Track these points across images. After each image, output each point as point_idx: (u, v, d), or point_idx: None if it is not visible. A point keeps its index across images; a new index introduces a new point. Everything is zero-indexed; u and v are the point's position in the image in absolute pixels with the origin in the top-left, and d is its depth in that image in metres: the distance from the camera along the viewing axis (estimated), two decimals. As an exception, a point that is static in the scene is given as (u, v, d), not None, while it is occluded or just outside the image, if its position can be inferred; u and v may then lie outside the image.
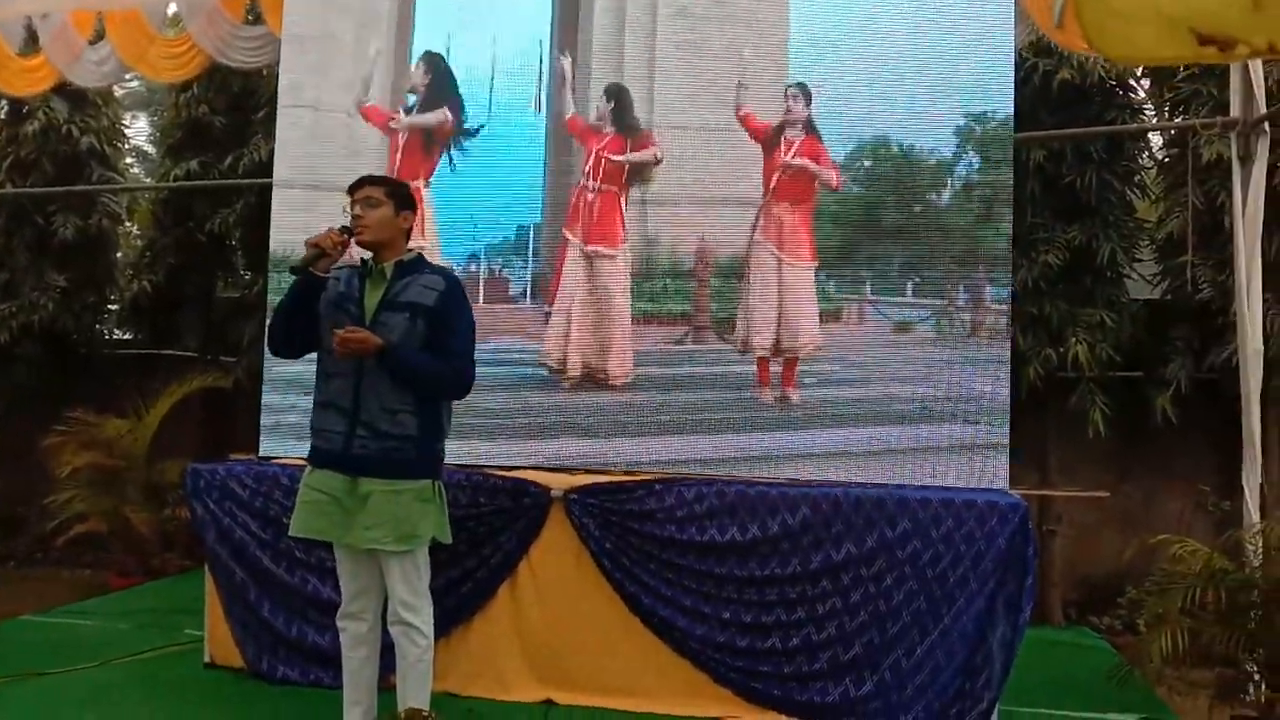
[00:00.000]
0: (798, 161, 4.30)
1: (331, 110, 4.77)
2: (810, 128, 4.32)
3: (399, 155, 4.72)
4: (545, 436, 4.43)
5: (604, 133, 4.52)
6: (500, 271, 4.61)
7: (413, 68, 4.77)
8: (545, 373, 4.51)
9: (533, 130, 4.60)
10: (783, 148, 4.34)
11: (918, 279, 4.20)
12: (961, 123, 4.18)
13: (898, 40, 4.23)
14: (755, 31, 4.38)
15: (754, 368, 4.32)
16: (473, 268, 4.60)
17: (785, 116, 4.35)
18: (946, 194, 4.19)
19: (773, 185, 4.35)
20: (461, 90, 4.66)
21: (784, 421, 4.23)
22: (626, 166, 4.48)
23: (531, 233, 4.59)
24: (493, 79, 4.62)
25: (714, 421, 4.28)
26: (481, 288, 4.58)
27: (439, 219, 4.64)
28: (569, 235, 4.53)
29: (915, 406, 4.10)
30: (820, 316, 4.26)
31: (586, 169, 4.51)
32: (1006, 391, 4.03)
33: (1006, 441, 3.99)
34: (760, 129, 4.37)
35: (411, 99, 4.76)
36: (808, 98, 4.32)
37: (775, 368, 4.31)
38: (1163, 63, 4.78)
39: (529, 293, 4.60)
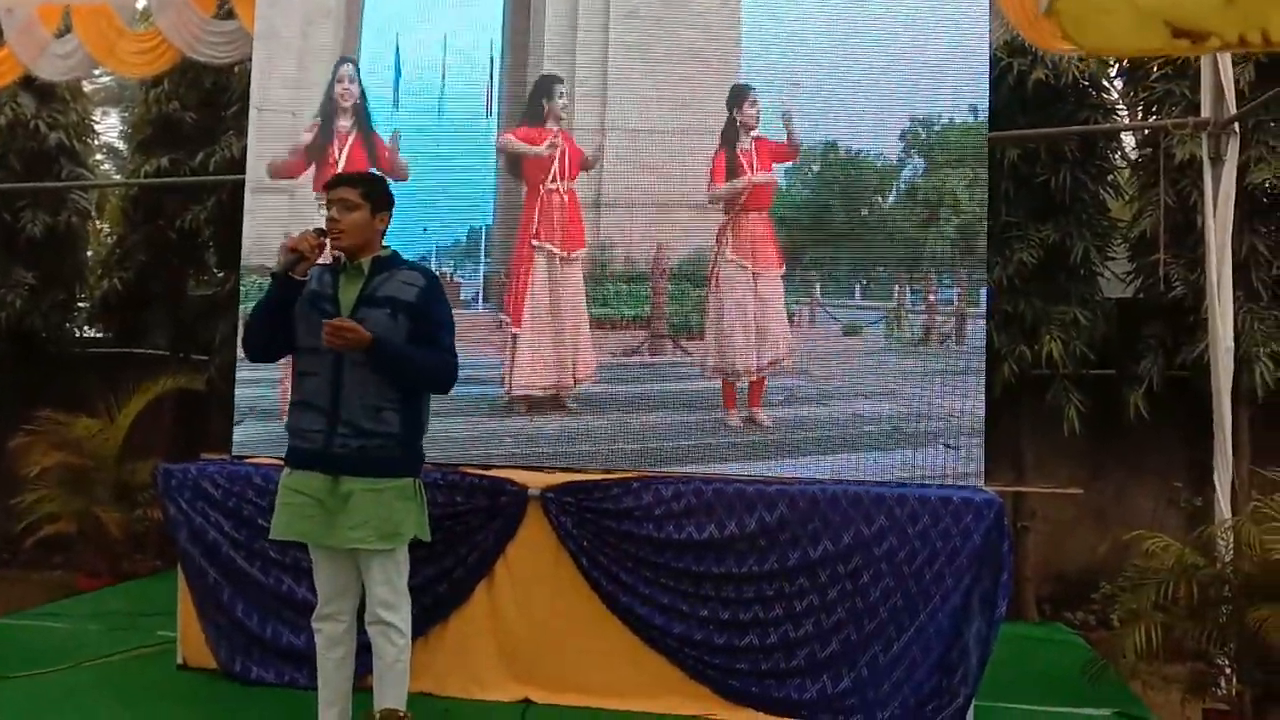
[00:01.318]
0: (761, 178, 4.29)
1: (275, 110, 4.71)
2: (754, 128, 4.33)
3: (344, 157, 4.66)
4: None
5: (558, 127, 4.48)
6: (452, 275, 4.57)
7: (340, 82, 4.72)
8: (505, 397, 4.46)
9: (484, 131, 4.56)
10: (743, 162, 4.31)
11: (879, 283, 4.21)
12: (928, 123, 4.19)
13: (865, 40, 4.23)
14: (707, 34, 4.37)
15: (717, 384, 4.29)
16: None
17: (741, 124, 4.32)
18: (917, 199, 4.19)
19: (740, 202, 4.32)
20: (412, 90, 4.61)
21: (757, 445, 4.23)
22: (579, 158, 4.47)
23: (484, 235, 4.55)
24: (443, 80, 4.57)
25: (683, 449, 4.27)
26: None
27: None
28: (542, 244, 4.46)
29: (890, 405, 4.11)
30: (791, 322, 4.26)
31: (554, 169, 4.46)
32: (982, 388, 4.05)
33: (982, 438, 4.01)
34: (720, 167, 4.35)
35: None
36: (755, 99, 4.32)
37: (741, 384, 4.28)
38: (1136, 54, 4.83)
39: (480, 296, 4.56)
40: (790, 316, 4.25)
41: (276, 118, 4.71)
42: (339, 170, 4.51)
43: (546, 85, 4.49)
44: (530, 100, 4.51)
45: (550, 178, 4.45)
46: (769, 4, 4.34)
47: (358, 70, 4.71)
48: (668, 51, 4.40)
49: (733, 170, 4.31)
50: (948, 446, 4.03)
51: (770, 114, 4.28)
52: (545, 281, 4.45)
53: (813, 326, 4.24)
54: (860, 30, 4.23)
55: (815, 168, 4.28)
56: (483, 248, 4.55)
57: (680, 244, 4.36)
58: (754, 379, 4.27)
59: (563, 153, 4.45)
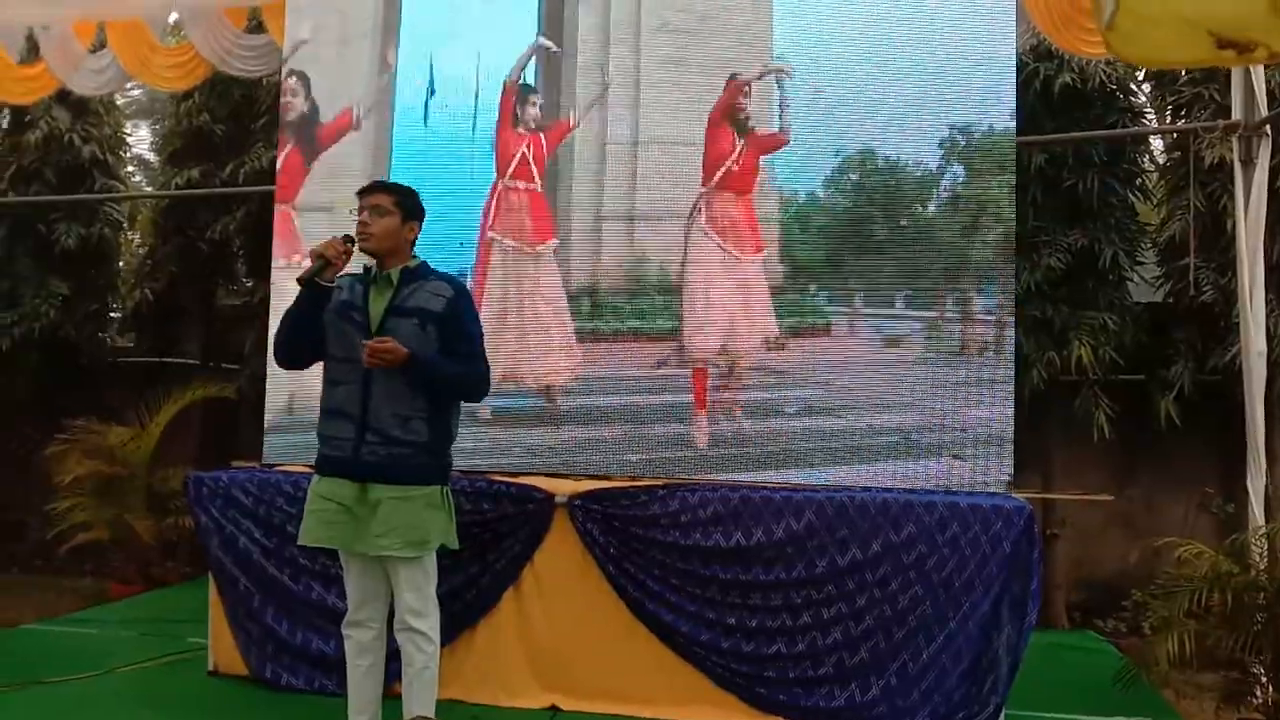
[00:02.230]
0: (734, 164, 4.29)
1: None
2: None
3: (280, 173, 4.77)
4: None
5: (526, 131, 4.53)
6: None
7: (290, 96, 4.81)
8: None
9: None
10: (731, 143, 4.33)
11: (910, 290, 4.18)
12: (962, 130, 4.16)
13: (893, 47, 4.20)
14: (740, 43, 4.36)
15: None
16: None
17: (739, 112, 4.34)
18: (945, 206, 4.16)
19: (717, 177, 4.32)
20: (446, 105, 4.63)
21: (782, 454, 4.22)
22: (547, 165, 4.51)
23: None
24: (476, 97, 4.59)
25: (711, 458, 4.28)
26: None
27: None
28: (495, 236, 4.51)
29: (918, 412, 4.09)
30: (828, 332, 4.23)
31: (511, 169, 4.51)
32: (1011, 394, 4.02)
33: (1011, 445, 3.98)
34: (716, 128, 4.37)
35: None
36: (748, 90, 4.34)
37: (714, 372, 4.27)
38: (1183, 65, 4.79)
39: None
40: (828, 325, 4.22)
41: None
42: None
43: (523, 94, 4.56)
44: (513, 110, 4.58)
45: (509, 175, 4.51)
46: (800, 13, 4.33)
47: (303, 82, 4.78)
48: (701, 64, 4.39)
49: (717, 137, 4.35)
50: (976, 453, 4.00)
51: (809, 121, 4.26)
52: (501, 279, 4.49)
53: (853, 335, 4.21)
54: (889, 38, 4.20)
55: (854, 176, 4.25)
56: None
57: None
58: (715, 360, 4.24)
59: (524, 155, 4.51)
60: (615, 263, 4.44)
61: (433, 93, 4.64)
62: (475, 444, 4.37)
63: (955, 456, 4.02)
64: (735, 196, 4.30)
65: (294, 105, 4.81)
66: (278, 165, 4.83)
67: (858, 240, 4.23)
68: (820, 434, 4.17)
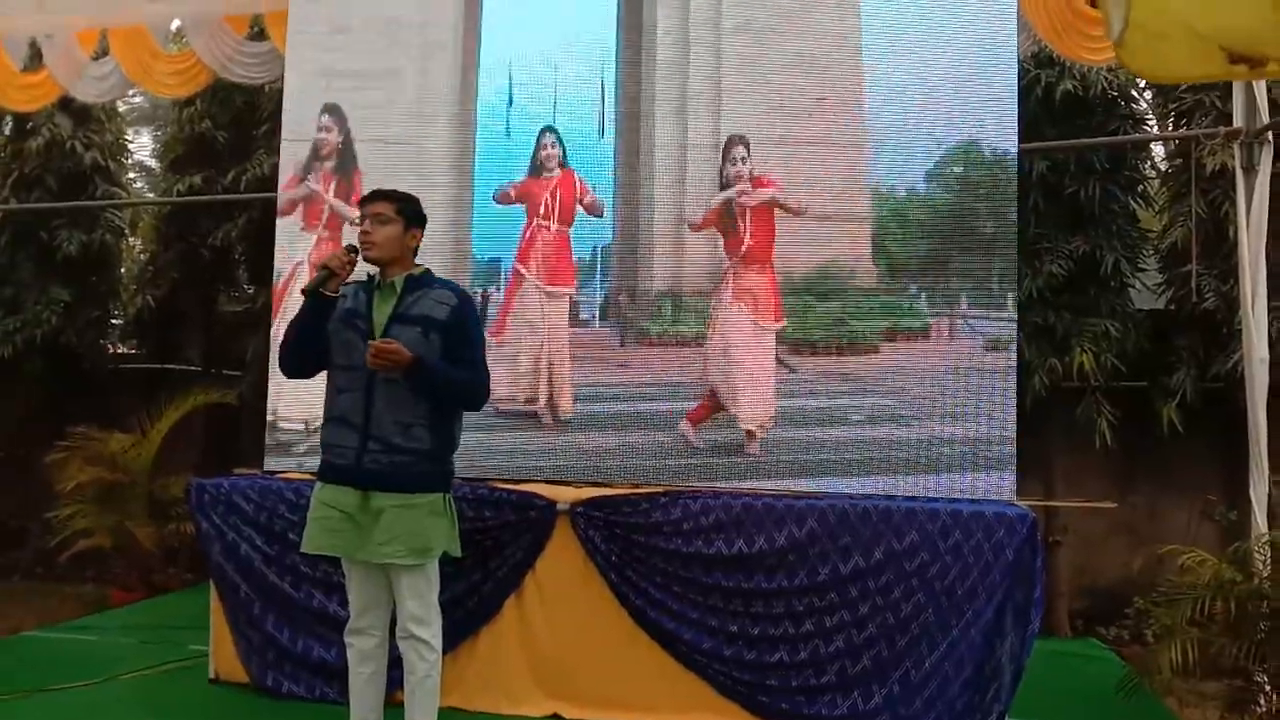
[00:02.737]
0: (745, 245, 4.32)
1: (401, 143, 4.73)
2: (751, 176, 4.32)
3: (325, 215, 4.79)
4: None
5: (552, 174, 4.53)
6: (571, 295, 4.54)
7: (322, 131, 4.79)
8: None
9: (598, 153, 4.54)
10: (739, 216, 4.32)
11: (928, 291, 4.16)
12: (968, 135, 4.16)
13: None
14: (825, 41, 4.28)
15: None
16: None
17: (731, 177, 4.32)
18: (956, 206, 4.16)
19: (741, 252, 4.32)
20: (525, 115, 4.61)
21: (784, 465, 4.22)
22: (578, 208, 4.50)
23: (599, 255, 4.53)
24: (554, 106, 4.57)
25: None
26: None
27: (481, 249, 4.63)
28: (522, 270, 4.53)
29: (920, 416, 4.09)
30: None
31: (542, 209, 4.51)
32: (1013, 402, 4.02)
33: (1013, 452, 3.98)
34: (715, 218, 4.35)
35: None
36: (748, 149, 4.32)
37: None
38: (1194, 80, 4.77)
39: (598, 316, 4.54)
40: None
41: (400, 149, 4.71)
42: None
43: (540, 137, 4.56)
44: (533, 155, 4.57)
45: (541, 214, 4.52)
46: (888, 5, 4.26)
47: (332, 114, 4.79)
48: (784, 61, 4.32)
49: (729, 224, 4.34)
50: (978, 461, 4.00)
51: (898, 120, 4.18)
52: (524, 306, 4.53)
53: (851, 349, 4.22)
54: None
55: (958, 169, 4.19)
56: (599, 267, 4.52)
57: (806, 256, 4.25)
58: (752, 429, 4.26)
59: (552, 194, 4.51)
60: (697, 267, 4.39)
61: (511, 103, 4.62)
62: (478, 450, 4.35)
63: (957, 464, 4.02)
64: (759, 267, 4.29)
65: (327, 141, 4.80)
66: (329, 191, 4.80)
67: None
68: (822, 444, 4.17)
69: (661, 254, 4.43)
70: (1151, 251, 5.94)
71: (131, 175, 9.65)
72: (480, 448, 4.38)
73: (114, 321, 7.84)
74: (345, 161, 4.78)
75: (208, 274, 7.37)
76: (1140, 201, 5.92)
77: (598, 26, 4.59)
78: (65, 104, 6.52)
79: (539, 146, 4.55)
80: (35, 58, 6.01)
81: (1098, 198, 5.56)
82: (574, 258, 4.51)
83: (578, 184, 4.51)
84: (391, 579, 3.21)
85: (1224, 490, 5.67)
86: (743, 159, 4.32)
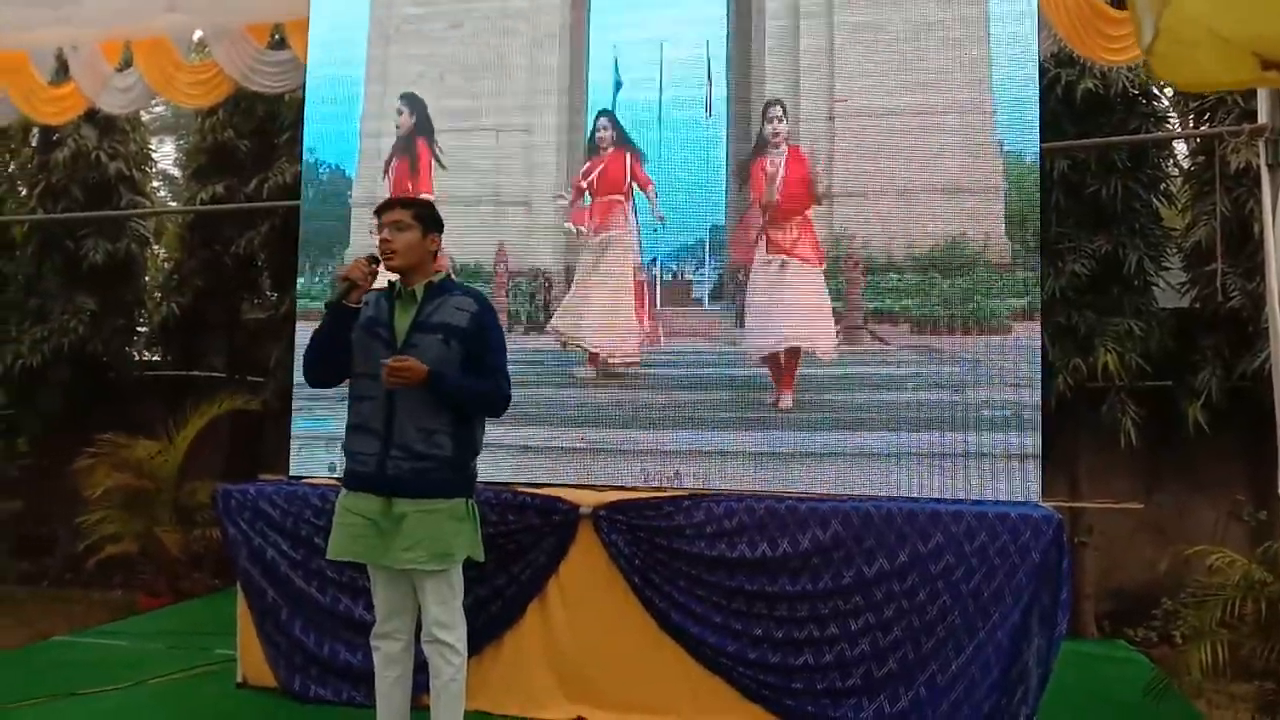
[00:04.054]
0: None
1: (512, 130, 4.74)
2: (789, 139, 4.32)
3: (391, 182, 4.80)
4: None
5: (604, 153, 4.57)
6: (681, 275, 4.53)
7: (397, 114, 4.83)
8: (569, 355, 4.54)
9: (707, 133, 4.50)
10: (768, 170, 4.33)
11: (950, 288, 4.13)
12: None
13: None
14: (945, 4, 4.17)
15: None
16: (653, 271, 4.53)
17: (768, 135, 4.33)
18: (976, 203, 4.15)
19: (766, 207, 4.32)
20: (633, 95, 4.60)
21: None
22: (629, 176, 4.53)
23: (708, 236, 4.49)
24: (661, 87, 4.55)
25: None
26: (659, 291, 4.52)
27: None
28: (573, 228, 4.59)
29: (946, 417, 4.07)
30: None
31: (586, 185, 4.57)
32: (1038, 402, 3.99)
33: (1039, 453, 3.95)
34: (755, 174, 4.36)
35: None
36: (785, 113, 4.32)
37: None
38: (1225, 88, 4.72)
39: (711, 295, 4.49)
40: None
41: (510, 137, 4.73)
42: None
43: (595, 119, 4.59)
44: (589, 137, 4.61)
45: (587, 188, 4.59)
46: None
47: (407, 102, 4.82)
48: (901, 28, 4.22)
49: (754, 174, 4.37)
50: (1003, 462, 3.97)
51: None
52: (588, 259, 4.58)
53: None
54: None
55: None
56: (707, 248, 4.48)
57: (927, 231, 4.15)
58: (786, 363, 4.25)
59: (600, 174, 4.56)
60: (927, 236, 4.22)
61: (619, 85, 4.61)
62: (500, 455, 4.37)
63: (982, 465, 4.00)
64: (797, 217, 4.28)
65: (405, 124, 4.83)
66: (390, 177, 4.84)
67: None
68: (845, 445, 4.16)
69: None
70: (1175, 250, 5.89)
71: (155, 184, 9.77)
72: (575, 402, 4.46)
73: (139, 329, 7.93)
74: (412, 148, 4.81)
75: (231, 281, 7.44)
76: (1163, 200, 5.88)
77: (705, 3, 4.56)
78: (90, 115, 6.59)
79: (595, 129, 4.58)
80: (61, 70, 6.09)
81: (1120, 196, 5.52)
82: (628, 216, 4.51)
83: (628, 162, 4.52)
84: (415, 584, 3.22)
85: (1251, 490, 5.61)
86: (779, 118, 4.32)
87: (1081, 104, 5.49)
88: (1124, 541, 6.01)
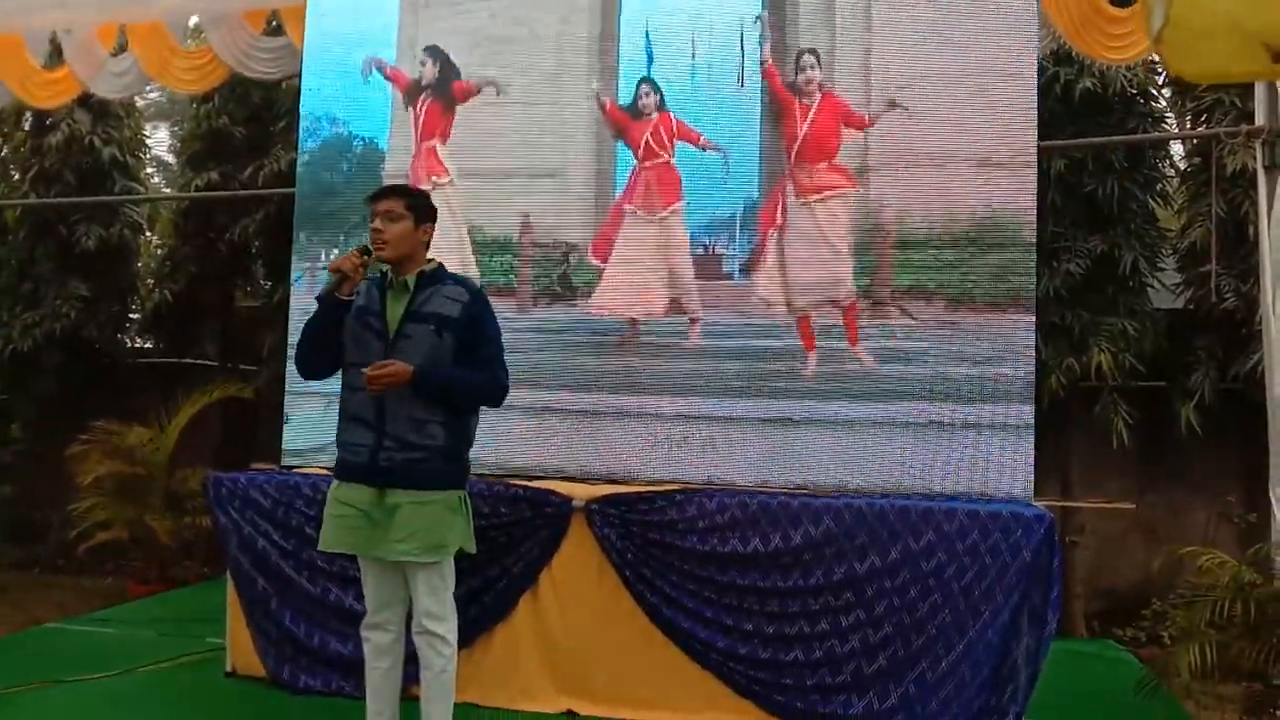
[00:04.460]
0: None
1: (541, 103, 4.70)
2: (822, 87, 4.31)
3: (420, 119, 4.80)
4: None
5: (649, 118, 4.54)
6: (713, 248, 4.48)
7: (421, 65, 4.82)
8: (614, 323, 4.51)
9: (739, 103, 4.45)
10: (799, 114, 4.32)
11: (945, 288, 4.12)
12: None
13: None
14: None
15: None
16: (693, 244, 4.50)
17: (800, 84, 4.33)
18: (976, 201, 4.14)
19: (795, 150, 4.31)
20: (666, 68, 4.56)
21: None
22: (675, 137, 4.50)
23: (741, 209, 4.43)
24: (693, 57, 4.50)
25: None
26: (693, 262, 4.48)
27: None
28: (628, 207, 4.54)
29: (936, 417, 4.07)
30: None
31: (640, 151, 4.53)
32: (1031, 401, 3.99)
33: (1031, 452, 3.96)
34: (779, 89, 4.34)
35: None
36: (819, 61, 4.31)
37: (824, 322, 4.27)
38: (1236, 80, 4.67)
39: (739, 270, 4.44)
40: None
41: (539, 110, 4.69)
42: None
43: (638, 87, 4.57)
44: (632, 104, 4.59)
45: (642, 155, 4.55)
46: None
47: (430, 53, 4.83)
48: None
49: (785, 114, 4.35)
50: (996, 460, 3.98)
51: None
52: (635, 232, 4.53)
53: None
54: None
55: None
56: (738, 220, 4.44)
57: (968, 203, 4.09)
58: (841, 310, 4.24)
59: (654, 134, 4.53)
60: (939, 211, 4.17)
61: (651, 60, 4.58)
62: (493, 446, 4.37)
63: (974, 463, 4.00)
64: (823, 162, 4.26)
65: (428, 73, 4.82)
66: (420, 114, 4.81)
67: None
68: (839, 440, 4.16)
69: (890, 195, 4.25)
70: (1170, 251, 5.90)
71: (149, 170, 9.72)
72: (601, 369, 4.45)
73: (132, 316, 7.89)
74: (443, 92, 4.79)
75: (225, 269, 7.41)
76: (1159, 200, 5.88)
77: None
78: (84, 100, 6.54)
79: (637, 95, 4.56)
80: (55, 55, 6.05)
81: (1116, 196, 5.53)
82: (680, 180, 4.48)
83: (675, 123, 4.50)
84: (407, 575, 3.22)
85: (1243, 491, 5.63)
86: (811, 66, 4.31)
87: (1079, 103, 5.49)
88: (1115, 541, 6.02)
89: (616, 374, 4.44)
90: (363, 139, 4.95)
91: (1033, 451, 3.97)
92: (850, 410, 4.16)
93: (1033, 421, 3.99)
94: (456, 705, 3.31)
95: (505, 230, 4.64)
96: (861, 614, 3.67)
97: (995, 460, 4.00)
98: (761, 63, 4.40)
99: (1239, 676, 3.90)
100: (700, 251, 4.47)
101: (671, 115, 4.50)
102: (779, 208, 4.34)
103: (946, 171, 4.14)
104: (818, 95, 4.32)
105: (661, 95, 4.53)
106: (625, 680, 3.89)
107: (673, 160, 4.50)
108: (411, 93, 4.85)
